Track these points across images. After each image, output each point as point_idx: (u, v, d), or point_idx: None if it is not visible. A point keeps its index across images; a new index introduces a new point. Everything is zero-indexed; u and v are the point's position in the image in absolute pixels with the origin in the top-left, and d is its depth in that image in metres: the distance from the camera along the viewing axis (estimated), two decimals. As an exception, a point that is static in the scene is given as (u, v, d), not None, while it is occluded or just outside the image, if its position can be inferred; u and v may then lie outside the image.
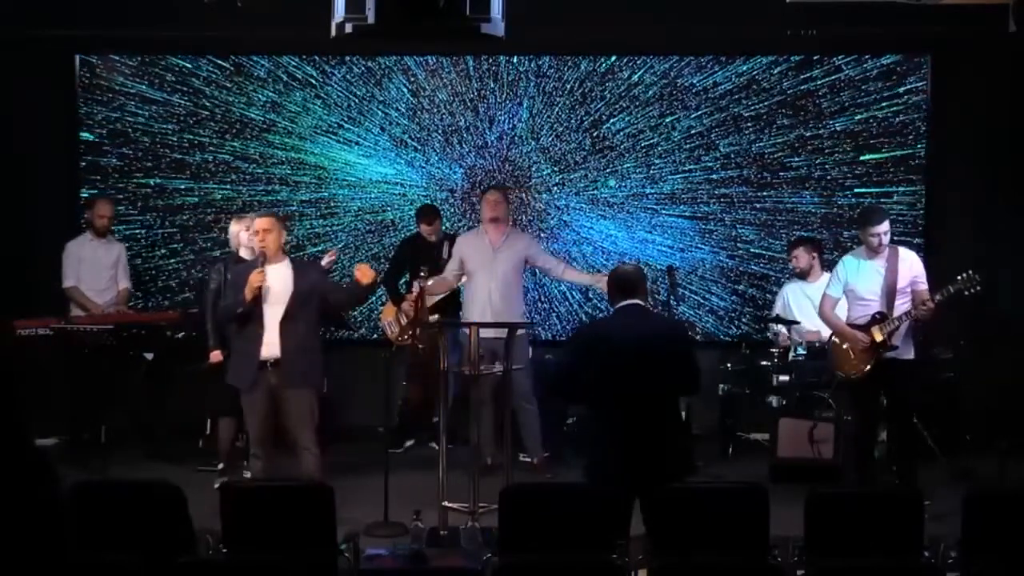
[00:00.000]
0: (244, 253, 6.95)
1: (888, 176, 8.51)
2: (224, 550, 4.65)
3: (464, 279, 7.43)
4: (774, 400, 7.48)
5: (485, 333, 6.56)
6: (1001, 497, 4.89)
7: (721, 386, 7.99)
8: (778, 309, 7.86)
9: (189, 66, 8.77)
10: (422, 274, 6.99)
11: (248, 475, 6.55)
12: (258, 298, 5.98)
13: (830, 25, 7.59)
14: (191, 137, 8.84)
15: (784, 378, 7.46)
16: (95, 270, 7.95)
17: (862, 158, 8.52)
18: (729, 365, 8.06)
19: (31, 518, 3.14)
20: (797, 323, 7.61)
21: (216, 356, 6.91)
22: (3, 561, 3.09)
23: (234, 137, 8.87)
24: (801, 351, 7.45)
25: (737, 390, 7.90)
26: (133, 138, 8.78)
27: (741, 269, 8.74)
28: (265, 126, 8.86)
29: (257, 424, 6.11)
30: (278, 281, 6.05)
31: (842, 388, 6.98)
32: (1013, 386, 7.45)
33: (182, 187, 8.87)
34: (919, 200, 8.46)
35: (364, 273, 6.08)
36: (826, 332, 7.43)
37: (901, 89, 8.46)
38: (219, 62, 8.77)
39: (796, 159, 8.59)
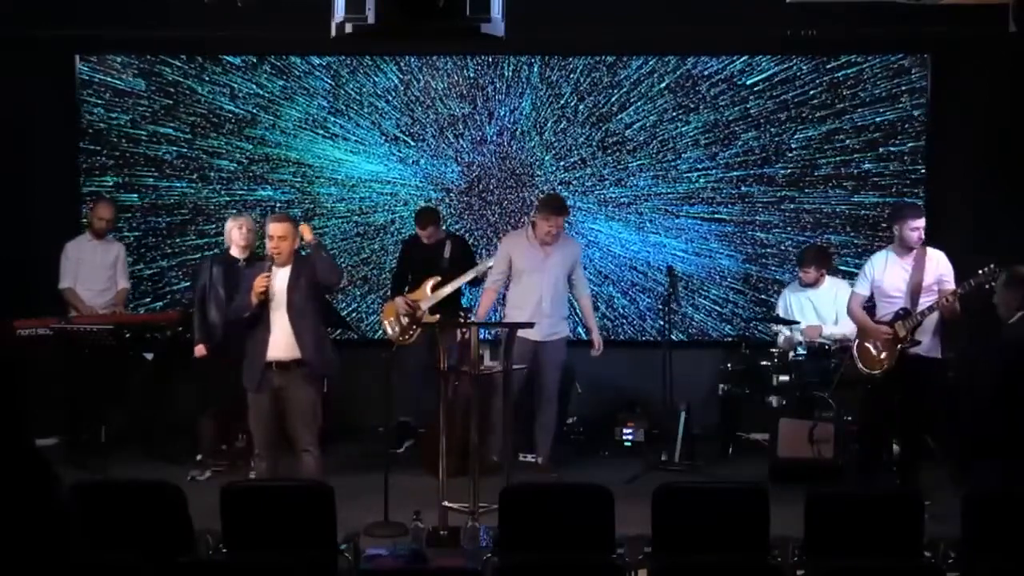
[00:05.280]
0: (235, 251, 7.13)
1: (888, 176, 8.50)
2: (224, 550, 4.65)
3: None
4: (774, 400, 7.48)
5: (522, 334, 6.61)
6: (1001, 497, 4.89)
7: (721, 386, 8.00)
8: (779, 311, 7.88)
9: (164, 57, 8.59)
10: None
11: (252, 475, 6.57)
12: (265, 302, 6.01)
13: (830, 25, 7.58)
14: (166, 132, 8.65)
15: (784, 378, 7.47)
16: (94, 270, 7.95)
17: (860, 157, 8.49)
18: (729, 365, 8.07)
19: (33, 520, 3.14)
20: (796, 323, 7.62)
21: (200, 350, 7.08)
22: (7, 563, 3.08)
23: (210, 132, 8.65)
24: (801, 351, 7.45)
25: (737, 390, 7.90)
26: (107, 136, 8.65)
27: (765, 275, 8.60)
28: (244, 120, 8.63)
29: (262, 426, 6.13)
30: (284, 284, 6.08)
31: (846, 385, 7.01)
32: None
33: (154, 186, 8.68)
34: (919, 200, 8.44)
35: (304, 229, 6.15)
36: (827, 329, 7.49)
37: (901, 89, 8.44)
38: (197, 55, 8.58)
39: (794, 159, 8.54)
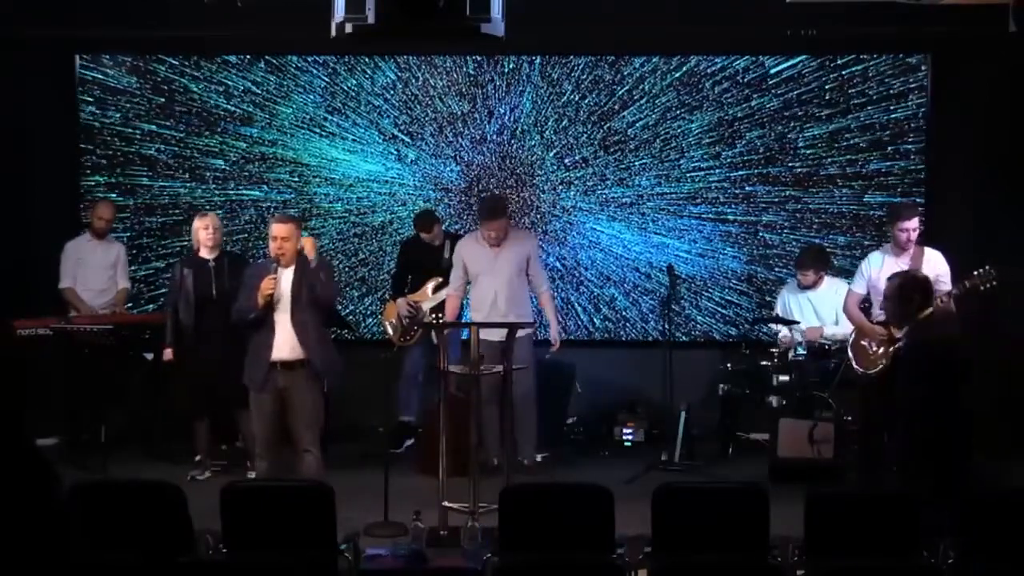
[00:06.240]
0: (203, 252, 7.09)
1: (887, 177, 8.48)
2: (224, 550, 4.65)
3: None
4: (774, 400, 7.47)
5: (489, 335, 6.60)
6: (1001, 497, 4.89)
7: (721, 386, 7.99)
8: (777, 309, 7.88)
9: (162, 56, 8.53)
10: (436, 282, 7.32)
11: (252, 475, 6.58)
12: (270, 303, 6.02)
13: (830, 25, 7.58)
14: (160, 131, 8.59)
15: (784, 378, 7.47)
16: (94, 270, 7.96)
17: (866, 157, 8.46)
18: (729, 365, 8.06)
19: (33, 519, 3.14)
20: (796, 323, 7.62)
21: (167, 354, 7.08)
22: (7, 562, 3.09)
23: (204, 131, 8.58)
24: (801, 351, 7.45)
25: (737, 390, 7.89)
26: (100, 135, 8.61)
27: (770, 276, 8.52)
28: (240, 118, 8.57)
29: (264, 426, 6.15)
30: (288, 285, 6.08)
31: (846, 385, 7.02)
32: (1013, 386, 7.45)
33: (148, 186, 8.62)
34: (915, 199, 8.42)
35: (308, 247, 6.20)
36: (828, 330, 7.50)
37: (901, 89, 8.43)
38: (198, 55, 8.52)
39: (799, 158, 8.49)
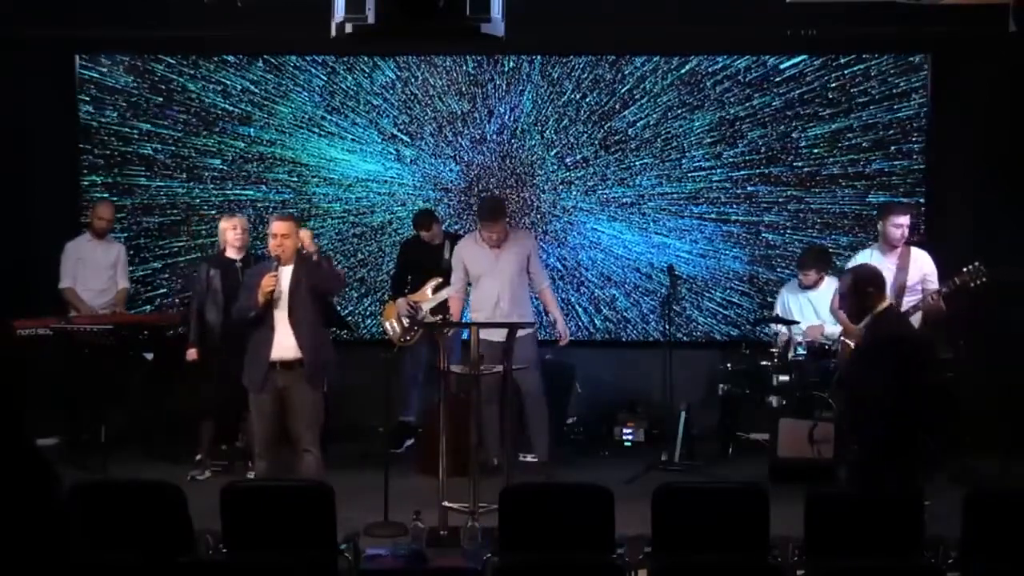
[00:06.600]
0: (231, 252, 7.10)
1: (888, 177, 8.48)
2: (224, 550, 4.65)
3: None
4: (774, 400, 7.47)
5: (490, 335, 6.59)
6: (1001, 497, 4.88)
7: (721, 386, 8.00)
8: (777, 309, 7.88)
9: (161, 56, 8.52)
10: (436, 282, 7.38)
11: (252, 475, 6.57)
12: (271, 302, 6.02)
13: (830, 25, 7.58)
14: (158, 131, 8.58)
15: (784, 378, 7.46)
16: (94, 270, 7.96)
17: (868, 157, 8.46)
18: (729, 365, 8.06)
19: (33, 519, 3.14)
20: (796, 323, 7.62)
21: (192, 354, 7.08)
22: (7, 562, 3.09)
23: (202, 130, 8.56)
24: (801, 351, 7.45)
25: (737, 390, 7.89)
26: (98, 135, 8.59)
27: (772, 277, 8.50)
28: (239, 118, 8.55)
29: (264, 426, 6.14)
30: (287, 283, 6.09)
31: (843, 386, 7.02)
32: (1013, 386, 7.45)
33: (145, 186, 8.59)
34: (919, 200, 8.43)
35: (305, 238, 6.17)
36: (828, 329, 7.50)
37: (904, 88, 8.42)
38: (197, 56, 8.50)
39: (802, 158, 8.48)
